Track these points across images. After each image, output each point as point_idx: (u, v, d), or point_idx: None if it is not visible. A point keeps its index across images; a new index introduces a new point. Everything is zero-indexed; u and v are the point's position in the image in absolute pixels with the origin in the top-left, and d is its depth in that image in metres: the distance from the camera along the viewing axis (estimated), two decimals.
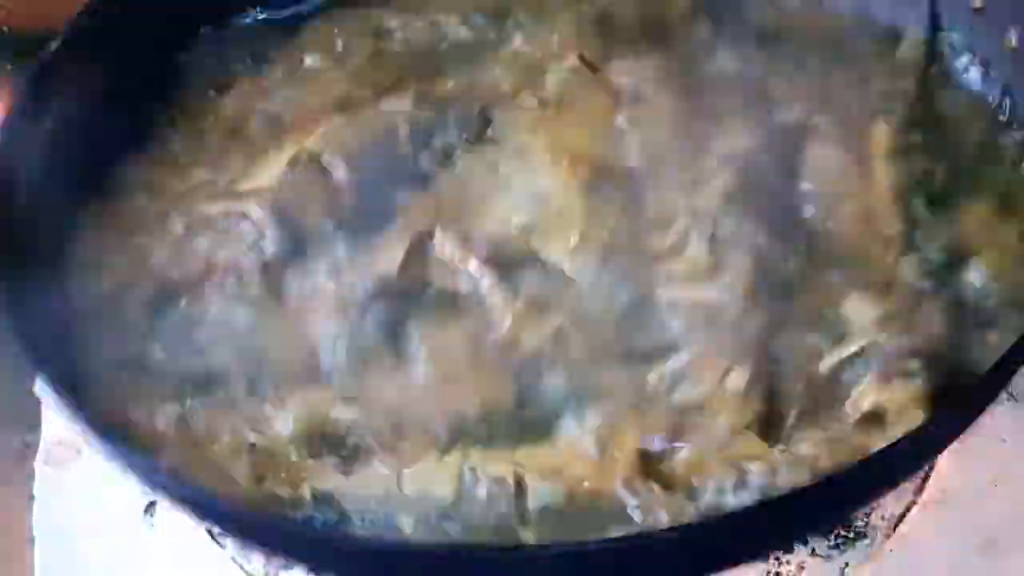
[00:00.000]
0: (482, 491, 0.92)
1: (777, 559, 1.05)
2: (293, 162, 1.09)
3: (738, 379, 0.95)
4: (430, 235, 1.04)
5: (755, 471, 0.90)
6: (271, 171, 1.09)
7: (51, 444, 1.15)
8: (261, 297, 1.03)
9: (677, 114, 1.10)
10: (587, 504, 0.92)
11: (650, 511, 0.90)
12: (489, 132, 1.12)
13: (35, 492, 1.12)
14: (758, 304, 0.98)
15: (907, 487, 1.08)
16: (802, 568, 1.05)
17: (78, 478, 1.13)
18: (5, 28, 1.45)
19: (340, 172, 1.09)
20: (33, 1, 1.41)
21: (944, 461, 1.10)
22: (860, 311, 0.97)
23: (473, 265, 1.02)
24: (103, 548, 1.08)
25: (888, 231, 1.02)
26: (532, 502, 0.92)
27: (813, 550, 1.06)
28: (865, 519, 1.07)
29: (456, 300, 1.02)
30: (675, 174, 1.05)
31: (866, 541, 1.06)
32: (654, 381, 0.96)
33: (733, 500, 0.90)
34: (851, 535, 1.06)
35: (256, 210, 1.07)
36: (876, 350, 0.95)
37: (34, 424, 1.16)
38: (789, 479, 0.89)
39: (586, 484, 0.92)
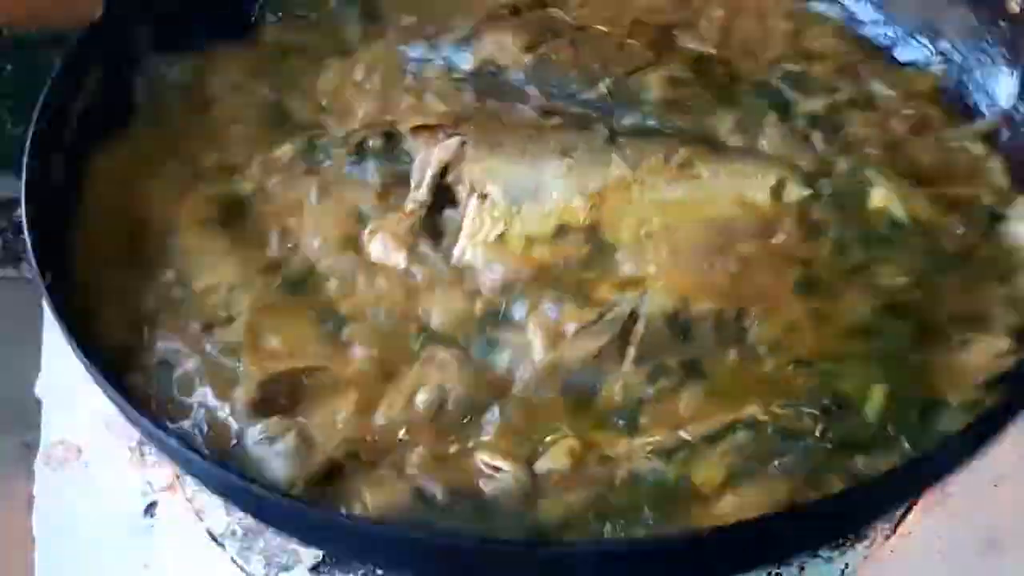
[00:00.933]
0: None
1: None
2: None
3: None
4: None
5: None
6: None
7: (51, 444, 1.14)
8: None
9: None
10: None
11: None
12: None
13: (35, 492, 1.12)
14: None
15: None
16: (802, 569, 1.05)
17: (78, 478, 1.12)
18: (5, 29, 1.45)
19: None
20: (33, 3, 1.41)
21: None
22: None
23: (469, 199, 1.08)
24: (103, 548, 1.08)
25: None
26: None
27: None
28: None
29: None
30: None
31: (866, 541, 1.06)
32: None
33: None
34: (852, 535, 1.06)
35: None
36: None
37: (34, 424, 1.16)
38: None
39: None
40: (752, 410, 0.94)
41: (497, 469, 0.93)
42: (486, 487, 0.93)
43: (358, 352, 1.01)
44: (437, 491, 0.93)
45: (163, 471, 1.12)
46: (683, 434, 0.94)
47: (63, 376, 1.17)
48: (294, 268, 1.07)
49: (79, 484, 1.12)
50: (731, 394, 0.97)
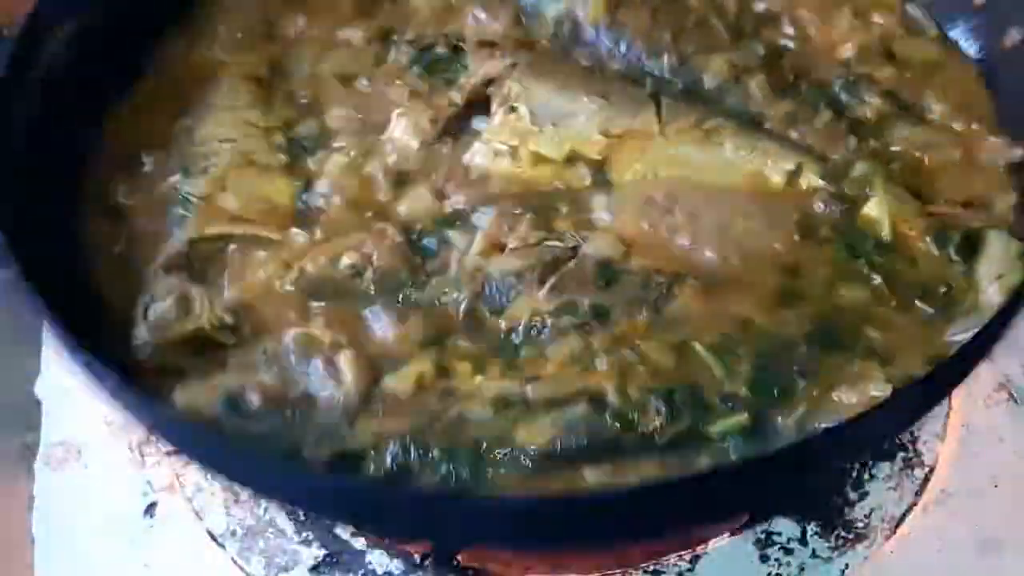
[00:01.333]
0: None
1: (778, 560, 1.06)
2: None
3: None
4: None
5: None
6: None
7: (51, 445, 1.14)
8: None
9: None
10: None
11: None
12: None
13: (35, 493, 1.12)
14: None
15: (907, 487, 1.09)
16: (802, 569, 1.05)
17: (78, 479, 1.13)
18: (5, 29, 1.45)
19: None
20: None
21: (944, 461, 1.10)
22: None
23: (499, 109, 1.12)
24: (103, 548, 1.08)
25: None
26: None
27: (814, 551, 1.06)
28: (866, 519, 1.07)
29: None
30: None
31: (866, 541, 1.07)
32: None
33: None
34: (851, 536, 1.07)
35: None
36: None
37: (34, 425, 1.16)
38: None
39: None
40: (607, 385, 0.94)
41: (340, 378, 0.96)
42: (317, 395, 0.95)
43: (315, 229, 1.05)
44: (254, 398, 0.95)
45: (163, 471, 1.12)
46: (528, 390, 0.94)
47: (63, 377, 1.17)
48: (304, 130, 1.13)
49: (79, 484, 1.12)
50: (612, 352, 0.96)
